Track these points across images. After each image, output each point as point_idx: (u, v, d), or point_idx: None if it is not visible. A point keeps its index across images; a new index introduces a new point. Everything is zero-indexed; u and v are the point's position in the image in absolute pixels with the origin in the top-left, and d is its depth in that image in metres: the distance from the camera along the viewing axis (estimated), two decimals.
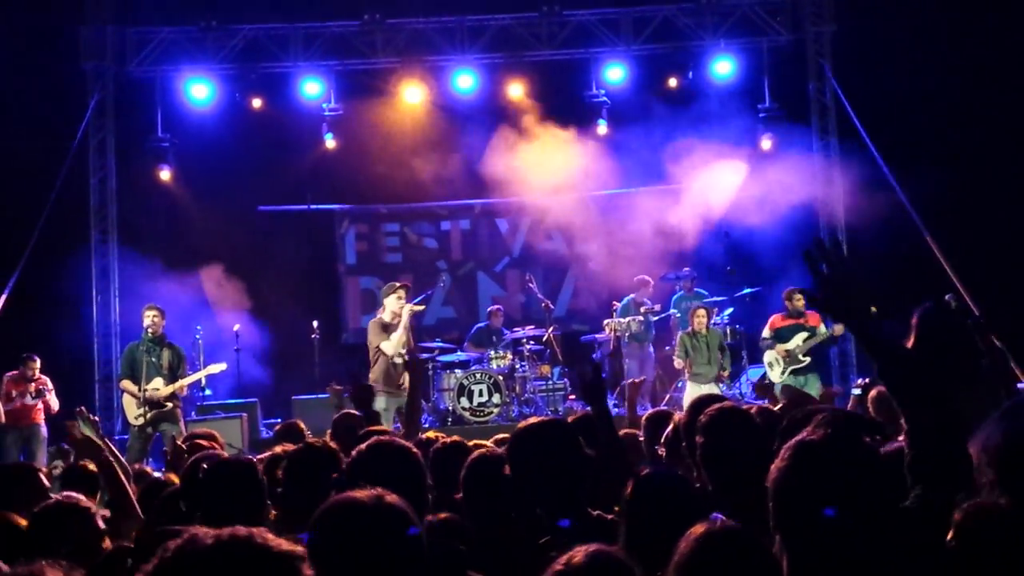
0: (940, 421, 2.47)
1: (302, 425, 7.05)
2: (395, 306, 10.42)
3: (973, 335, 4.58)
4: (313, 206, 15.10)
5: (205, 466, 3.71)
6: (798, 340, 11.56)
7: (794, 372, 11.45)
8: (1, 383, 11.43)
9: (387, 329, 10.38)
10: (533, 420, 3.61)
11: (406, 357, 10.22)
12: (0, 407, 11.22)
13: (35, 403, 11.34)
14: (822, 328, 11.58)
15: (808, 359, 11.58)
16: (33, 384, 11.36)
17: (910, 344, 4.11)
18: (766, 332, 11.83)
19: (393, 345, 10.27)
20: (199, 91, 14.21)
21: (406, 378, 10.01)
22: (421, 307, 10.87)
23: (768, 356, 11.84)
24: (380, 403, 9.82)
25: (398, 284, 10.74)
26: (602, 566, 2.32)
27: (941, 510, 2.38)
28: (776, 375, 11.66)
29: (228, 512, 3.30)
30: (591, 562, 2.31)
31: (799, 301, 11.59)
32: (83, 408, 5.20)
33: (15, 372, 11.43)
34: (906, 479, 2.51)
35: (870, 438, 2.44)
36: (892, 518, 2.31)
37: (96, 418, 5.19)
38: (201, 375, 11.42)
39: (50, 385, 11.51)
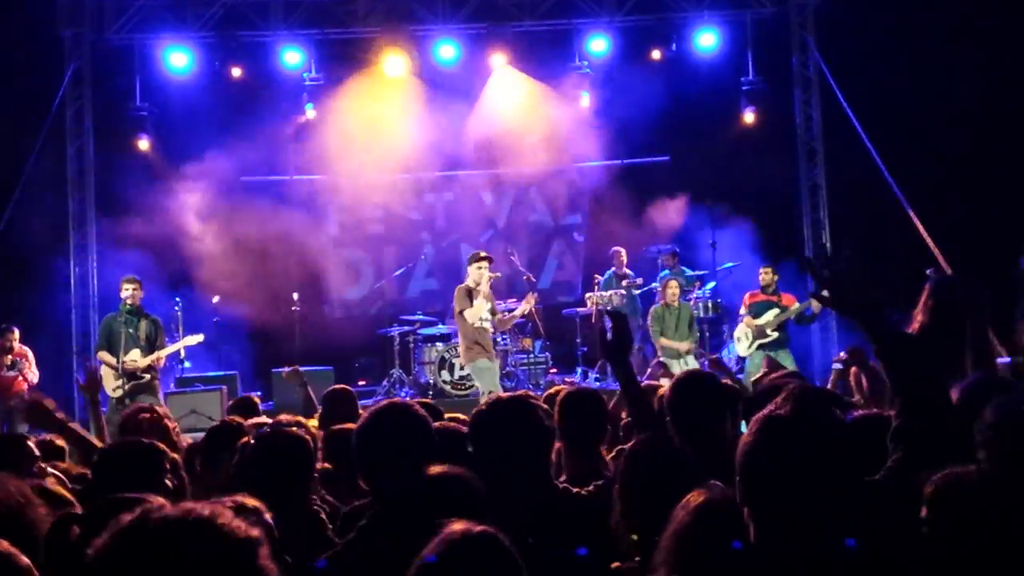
0: (936, 397, 2.61)
1: (256, 399, 7.01)
2: (476, 275, 10.53)
3: (985, 310, 4.59)
4: (295, 177, 14.99)
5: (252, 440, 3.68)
6: (769, 316, 11.70)
7: (761, 347, 11.53)
8: None
9: (471, 295, 10.52)
10: (493, 397, 3.63)
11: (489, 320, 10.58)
12: None
13: (14, 375, 11.25)
14: (795, 306, 11.71)
15: (776, 334, 11.70)
16: (10, 356, 11.28)
17: (923, 316, 4.15)
18: (742, 309, 12.03)
19: (473, 313, 10.46)
20: (178, 59, 14.03)
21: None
22: (497, 275, 10.98)
23: (737, 330, 12.06)
24: (480, 364, 10.48)
25: (482, 254, 10.84)
26: None
27: (914, 481, 2.40)
28: (743, 348, 11.88)
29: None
30: None
31: (766, 274, 11.85)
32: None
33: None
34: (874, 450, 2.60)
35: (838, 411, 2.45)
36: (861, 491, 2.33)
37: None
38: (178, 346, 11.38)
39: (30, 357, 11.42)
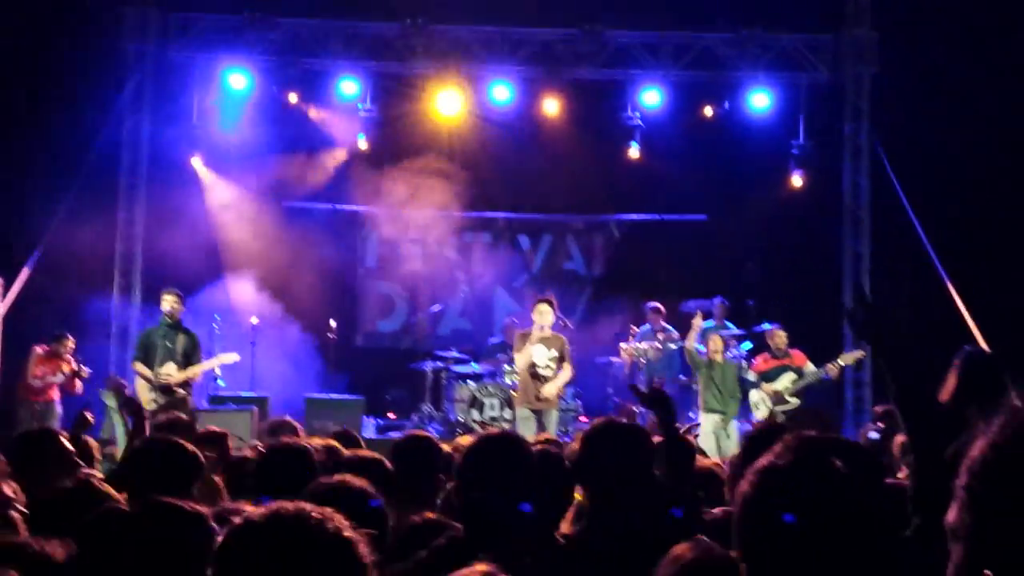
0: (949, 454, 2.49)
1: (295, 423, 6.99)
2: (535, 318, 10.31)
3: (1008, 386, 4.57)
4: (338, 206, 15.09)
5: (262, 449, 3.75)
6: (786, 381, 11.39)
7: (783, 414, 11.18)
8: (32, 356, 11.37)
9: (525, 339, 10.35)
10: (484, 434, 3.71)
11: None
12: (31, 378, 11.17)
13: (56, 381, 11.30)
14: (809, 367, 11.40)
15: (796, 400, 11.35)
16: (66, 364, 11.28)
17: (950, 388, 4.10)
18: (752, 376, 11.63)
19: (521, 358, 10.34)
20: (237, 81, 14.18)
21: (545, 390, 10.27)
22: (538, 319, 10.42)
23: (754, 396, 11.59)
24: (519, 412, 10.45)
25: (540, 297, 10.65)
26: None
27: (939, 538, 2.33)
28: (761, 415, 11.39)
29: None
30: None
31: (779, 338, 11.49)
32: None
33: (47, 348, 11.37)
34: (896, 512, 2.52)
35: (843, 463, 2.32)
36: (890, 546, 2.24)
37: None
38: (213, 363, 11.40)
39: (85, 370, 11.44)
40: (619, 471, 3.47)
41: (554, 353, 10.36)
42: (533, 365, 10.31)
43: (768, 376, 11.46)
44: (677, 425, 4.35)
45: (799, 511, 2.03)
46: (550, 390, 10.33)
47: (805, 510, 2.03)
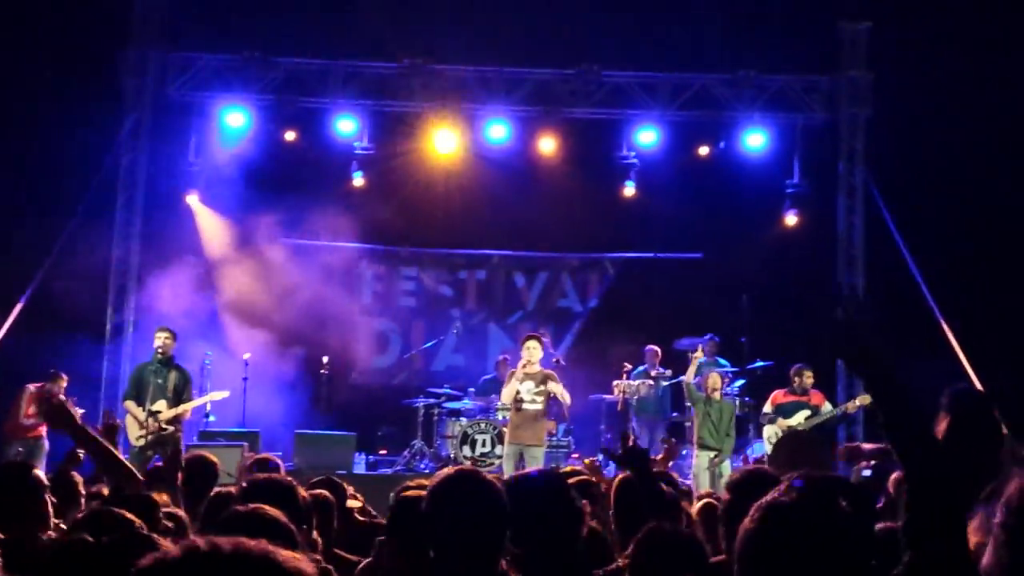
0: (944, 490, 2.45)
1: (278, 460, 6.96)
2: (523, 355, 10.60)
3: (999, 422, 4.54)
4: (334, 243, 15.16)
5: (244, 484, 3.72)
6: (800, 417, 11.37)
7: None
8: (23, 395, 11.37)
9: (512, 376, 10.64)
10: (449, 471, 3.27)
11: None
12: (23, 418, 11.16)
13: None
14: (826, 406, 11.46)
15: None
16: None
17: (942, 427, 4.07)
18: (767, 407, 11.63)
19: (505, 393, 10.71)
20: (235, 119, 14.34)
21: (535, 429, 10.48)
22: (526, 355, 10.63)
23: (768, 431, 11.57)
24: (505, 449, 10.71)
25: (528, 334, 10.97)
26: None
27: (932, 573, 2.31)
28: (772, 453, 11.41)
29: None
30: None
31: (808, 379, 11.48)
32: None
33: (39, 385, 11.38)
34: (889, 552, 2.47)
35: (848, 502, 2.31)
36: None
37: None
38: (204, 400, 11.45)
39: (78, 411, 11.39)
40: (466, 528, 3.00)
41: (540, 387, 10.52)
42: (519, 398, 10.45)
43: (784, 410, 11.46)
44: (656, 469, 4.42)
45: (803, 547, 2.04)
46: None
47: (809, 546, 2.05)
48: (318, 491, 5.15)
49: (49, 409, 4.84)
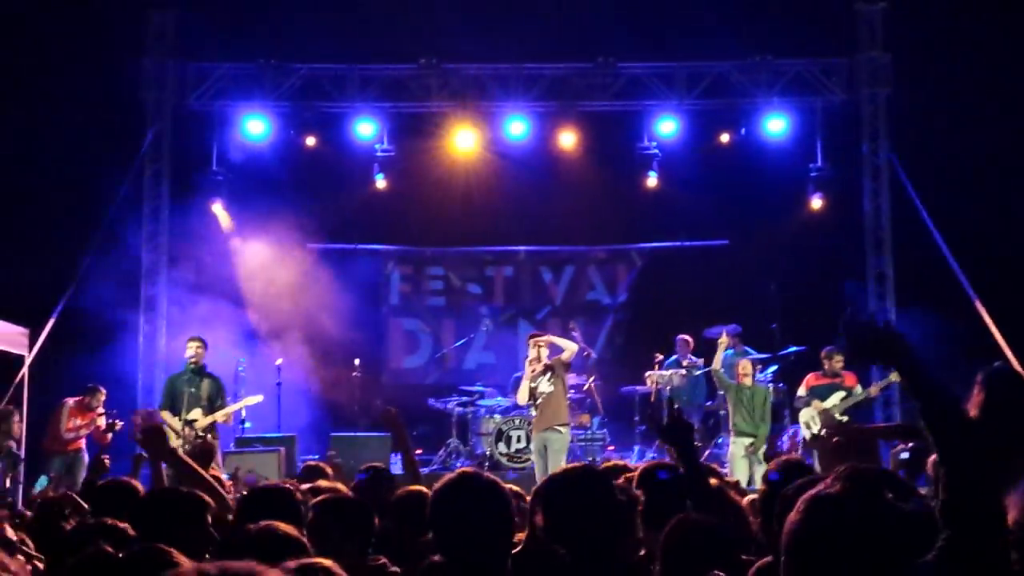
0: (980, 468, 2.41)
1: (326, 467, 6.94)
2: (531, 353, 10.82)
3: None
4: (360, 245, 15.21)
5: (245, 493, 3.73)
6: (835, 399, 11.34)
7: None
8: (63, 408, 11.41)
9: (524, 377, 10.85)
10: (455, 473, 3.26)
11: None
12: (64, 431, 11.18)
13: (87, 434, 11.32)
14: (858, 388, 11.42)
15: (845, 418, 11.28)
16: (97, 416, 11.26)
17: (977, 405, 4.03)
18: (801, 391, 11.60)
19: (519, 396, 10.88)
20: (255, 127, 14.39)
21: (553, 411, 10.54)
22: (534, 352, 10.88)
23: (804, 415, 11.54)
24: (533, 445, 10.84)
25: (532, 334, 11.25)
26: None
27: (969, 552, 2.29)
28: (812, 434, 11.39)
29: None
30: None
31: (838, 362, 11.44)
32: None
33: (79, 399, 11.43)
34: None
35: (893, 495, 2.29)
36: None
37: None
38: (239, 406, 11.48)
39: (118, 423, 11.43)
40: (473, 532, 2.99)
41: (548, 374, 10.64)
42: (536, 393, 10.62)
43: (819, 392, 11.43)
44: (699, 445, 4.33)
45: (848, 540, 2.03)
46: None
47: (855, 539, 2.04)
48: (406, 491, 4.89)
49: (146, 435, 4.87)
